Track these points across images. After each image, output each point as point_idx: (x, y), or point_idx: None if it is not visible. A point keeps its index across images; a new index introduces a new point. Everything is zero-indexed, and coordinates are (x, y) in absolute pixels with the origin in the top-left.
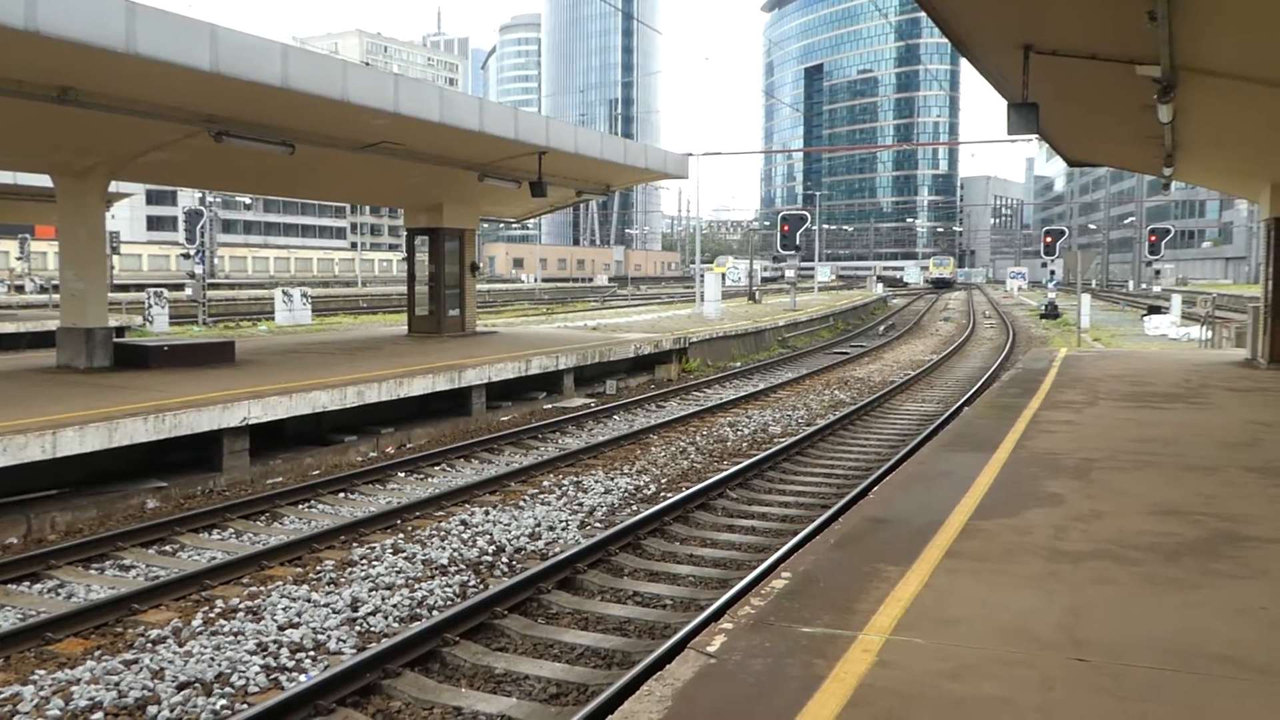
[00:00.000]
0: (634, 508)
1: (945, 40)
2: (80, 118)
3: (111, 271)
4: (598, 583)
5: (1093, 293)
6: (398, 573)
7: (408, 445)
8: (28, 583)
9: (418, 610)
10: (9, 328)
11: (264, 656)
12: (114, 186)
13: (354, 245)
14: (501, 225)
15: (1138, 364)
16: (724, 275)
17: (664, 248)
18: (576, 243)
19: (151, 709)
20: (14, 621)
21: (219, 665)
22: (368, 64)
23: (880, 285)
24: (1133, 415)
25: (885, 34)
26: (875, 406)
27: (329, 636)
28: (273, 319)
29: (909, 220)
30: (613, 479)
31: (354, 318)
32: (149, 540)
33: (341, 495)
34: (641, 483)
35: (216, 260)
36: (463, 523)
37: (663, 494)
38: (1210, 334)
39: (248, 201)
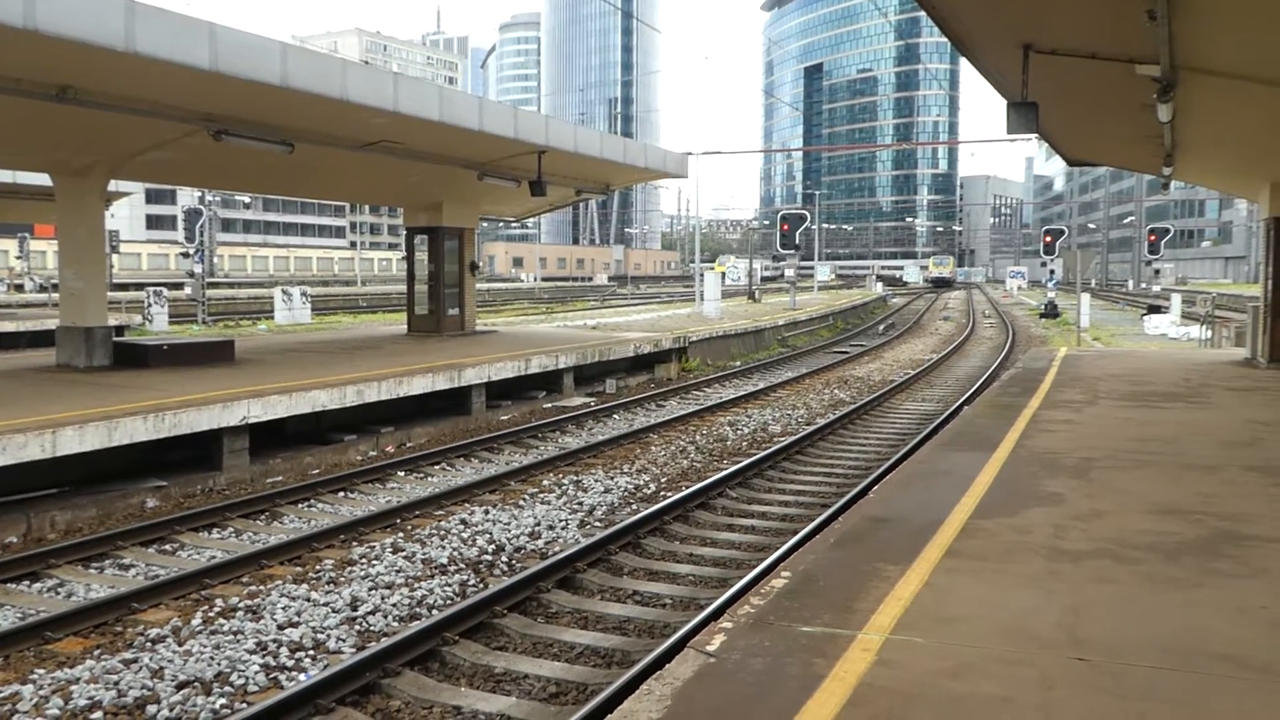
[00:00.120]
0: (634, 507)
1: (945, 39)
2: (79, 116)
3: (111, 270)
4: (597, 582)
5: (1092, 292)
6: (397, 572)
7: (407, 444)
8: (27, 582)
9: (417, 609)
10: (8, 327)
11: (263, 655)
12: (113, 185)
13: (353, 244)
14: (501, 224)
15: (1137, 363)
16: (724, 274)
17: (663, 247)
18: (576, 242)
19: (151, 708)
20: (13, 620)
21: (218, 664)
22: (367, 63)
23: (880, 284)
24: (1132, 414)
25: (885, 33)
26: (875, 405)
27: (328, 635)
28: (272, 318)
29: (908, 219)
30: (612, 478)
31: (353, 317)
32: (149, 539)
33: (341, 494)
34: (641, 482)
35: (216, 259)
36: (462, 522)
37: (662, 493)
38: (1210, 333)
39: (247, 200)
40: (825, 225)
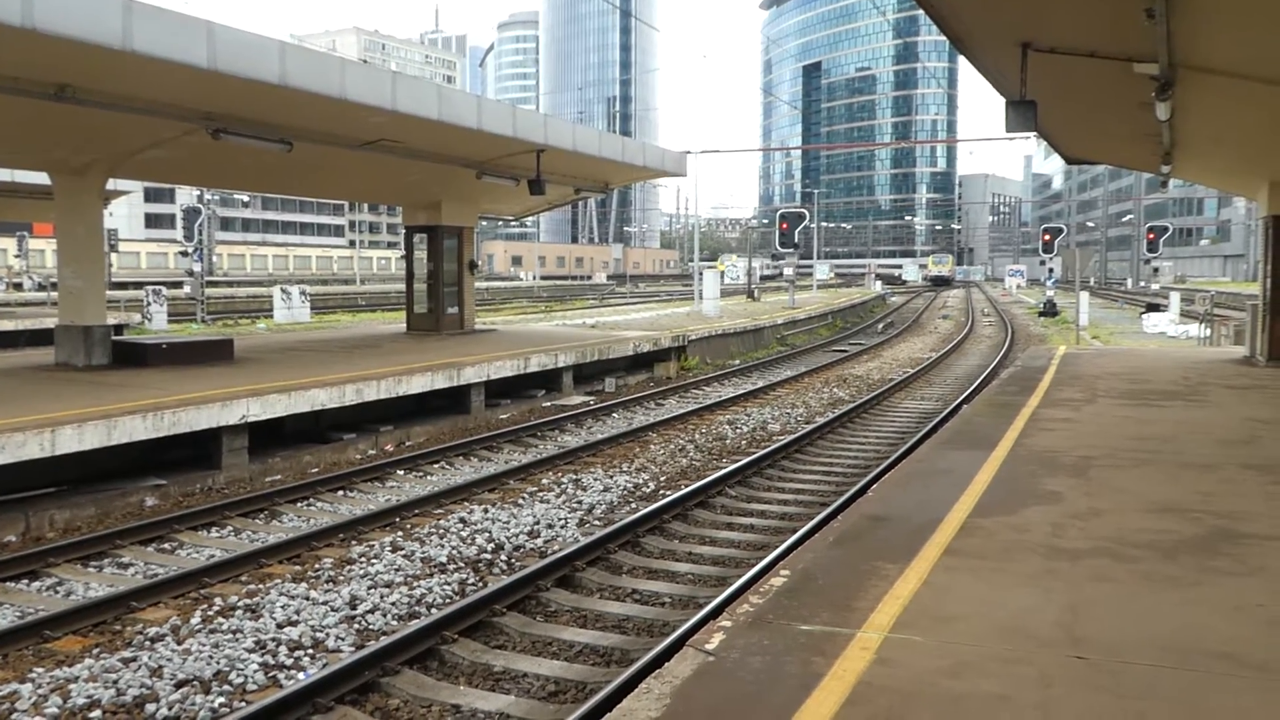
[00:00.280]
0: (633, 505)
1: (943, 38)
2: (77, 115)
3: (109, 269)
4: (596, 580)
5: (1091, 290)
6: (396, 570)
7: (407, 443)
8: (26, 580)
9: (416, 608)
10: (7, 325)
11: (262, 654)
12: (112, 184)
13: (352, 243)
14: (500, 223)
15: (1136, 362)
16: (723, 273)
17: (662, 245)
18: (575, 240)
19: (150, 707)
20: (12, 619)
21: (217, 663)
22: (365, 61)
23: (879, 283)
24: (1131, 413)
25: (883, 32)
26: (874, 404)
27: (328, 634)
28: (271, 317)
29: (907, 218)
30: (612, 477)
31: (352, 315)
32: (148, 538)
33: (340, 493)
34: (640, 480)
35: (215, 258)
36: (462, 520)
37: (662, 492)
38: (1208, 332)
39: (246, 199)
40: (824, 224)
